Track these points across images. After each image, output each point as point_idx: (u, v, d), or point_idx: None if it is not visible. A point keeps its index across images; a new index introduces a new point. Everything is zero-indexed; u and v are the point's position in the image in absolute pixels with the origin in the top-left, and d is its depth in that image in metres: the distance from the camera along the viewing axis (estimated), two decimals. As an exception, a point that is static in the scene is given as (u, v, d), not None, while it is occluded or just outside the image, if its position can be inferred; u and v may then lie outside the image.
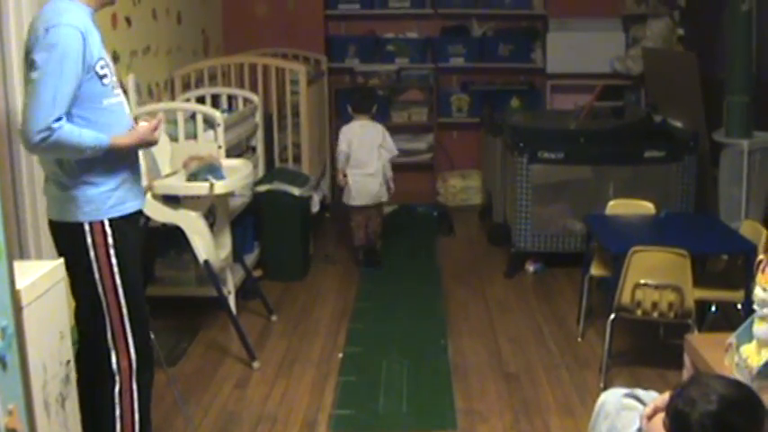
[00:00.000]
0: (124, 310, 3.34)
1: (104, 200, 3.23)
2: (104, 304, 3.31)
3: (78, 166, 3.16)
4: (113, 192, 3.25)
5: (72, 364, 3.14)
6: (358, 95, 7.06)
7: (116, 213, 3.26)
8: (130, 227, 3.35)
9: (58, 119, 3.01)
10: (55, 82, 3.00)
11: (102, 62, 3.18)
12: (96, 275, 3.27)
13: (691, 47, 7.24)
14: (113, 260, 3.28)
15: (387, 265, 6.75)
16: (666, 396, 2.22)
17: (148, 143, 3.42)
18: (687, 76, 6.47)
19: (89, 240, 3.23)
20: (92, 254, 3.24)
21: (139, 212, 3.49)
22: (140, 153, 4.32)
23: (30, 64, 3.07)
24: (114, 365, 3.38)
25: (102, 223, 3.24)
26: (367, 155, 6.61)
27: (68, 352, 3.12)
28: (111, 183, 3.25)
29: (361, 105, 6.77)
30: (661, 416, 2.19)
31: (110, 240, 3.25)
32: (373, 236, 6.81)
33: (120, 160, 3.29)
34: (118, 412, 3.40)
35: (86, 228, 3.23)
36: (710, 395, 2.07)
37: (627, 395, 2.55)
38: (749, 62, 5.95)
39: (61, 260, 3.09)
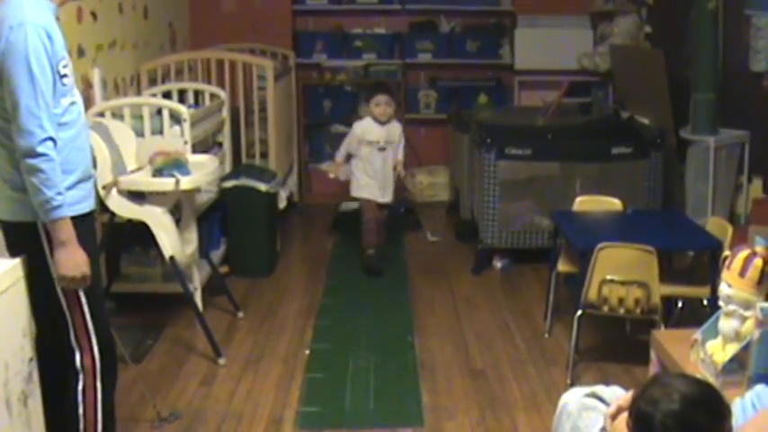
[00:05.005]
0: (85, 309, 3.29)
1: None
2: (64, 304, 3.26)
3: None
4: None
5: (35, 362, 3.10)
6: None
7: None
8: (85, 226, 3.27)
9: (53, 141, 3.00)
10: (30, 89, 2.95)
11: (64, 61, 3.13)
12: (54, 275, 3.18)
13: (658, 44, 7.29)
14: None
15: (352, 262, 6.72)
16: (629, 395, 2.22)
17: (76, 275, 3.16)
18: (654, 74, 6.50)
19: (43, 241, 3.15)
20: (47, 254, 3.16)
21: (94, 211, 3.42)
22: (105, 149, 4.33)
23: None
24: (78, 364, 3.34)
25: None
26: None
27: (31, 350, 3.08)
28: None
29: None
30: (625, 416, 2.19)
31: None
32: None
33: (74, 162, 3.20)
34: (81, 410, 3.36)
35: (39, 228, 3.14)
36: (673, 394, 2.06)
37: (588, 395, 2.55)
38: (715, 60, 6.00)
39: (20, 258, 3.05)
